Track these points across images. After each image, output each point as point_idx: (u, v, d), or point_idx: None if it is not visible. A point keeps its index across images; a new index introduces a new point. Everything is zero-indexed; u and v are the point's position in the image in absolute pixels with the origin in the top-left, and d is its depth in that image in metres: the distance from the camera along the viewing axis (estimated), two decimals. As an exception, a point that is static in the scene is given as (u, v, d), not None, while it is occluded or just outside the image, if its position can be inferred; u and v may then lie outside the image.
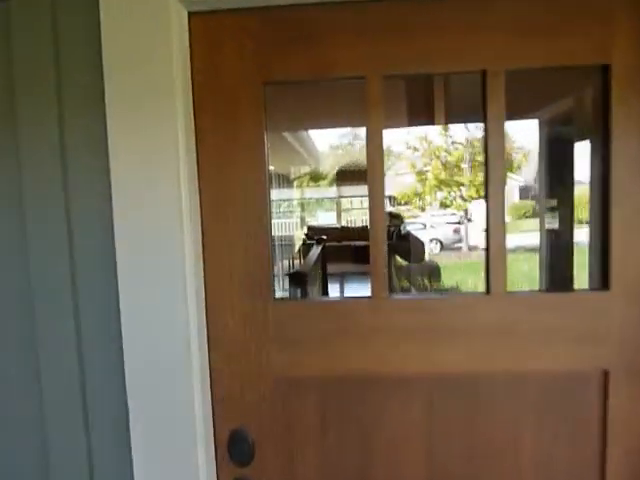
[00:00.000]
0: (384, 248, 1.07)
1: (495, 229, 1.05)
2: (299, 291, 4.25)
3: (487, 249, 1.05)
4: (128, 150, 0.98)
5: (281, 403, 1.10)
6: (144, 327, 1.00)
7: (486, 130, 1.03)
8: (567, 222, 2.94)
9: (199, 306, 1.05)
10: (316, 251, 5.92)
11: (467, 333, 1.06)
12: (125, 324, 1.00)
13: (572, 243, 2.92)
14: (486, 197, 1.05)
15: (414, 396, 1.09)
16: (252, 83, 1.04)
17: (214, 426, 1.09)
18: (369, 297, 1.08)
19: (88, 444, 1.06)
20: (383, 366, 1.08)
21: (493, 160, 1.03)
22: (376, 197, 1.06)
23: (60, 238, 1.03)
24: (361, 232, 9.24)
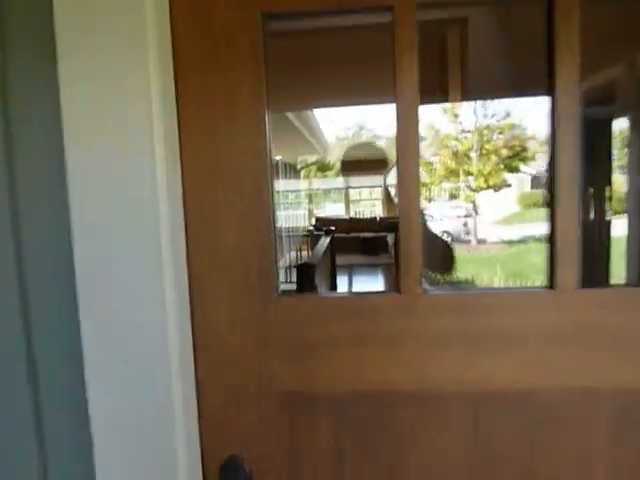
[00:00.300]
0: (419, 236, 0.83)
1: (565, 204, 0.81)
2: (307, 284, 4.03)
3: (552, 233, 0.82)
4: (85, 115, 0.75)
5: (286, 425, 0.88)
6: (108, 330, 0.78)
7: (554, 101, 0.79)
8: (601, 211, 2.69)
9: (180, 303, 0.83)
10: (324, 242, 5.69)
11: (525, 339, 0.83)
12: (86, 331, 0.78)
13: (607, 233, 2.67)
14: (552, 178, 0.81)
15: (454, 417, 0.87)
16: (247, 16, 0.81)
17: (201, 454, 0.87)
18: (397, 293, 0.85)
19: None
20: (415, 380, 0.85)
21: (562, 141, 0.79)
22: (409, 178, 0.83)
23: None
24: (370, 223, 9.02)
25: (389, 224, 8.38)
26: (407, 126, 0.82)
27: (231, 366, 0.87)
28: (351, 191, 11.07)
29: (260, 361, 0.87)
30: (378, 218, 9.33)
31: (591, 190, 2.68)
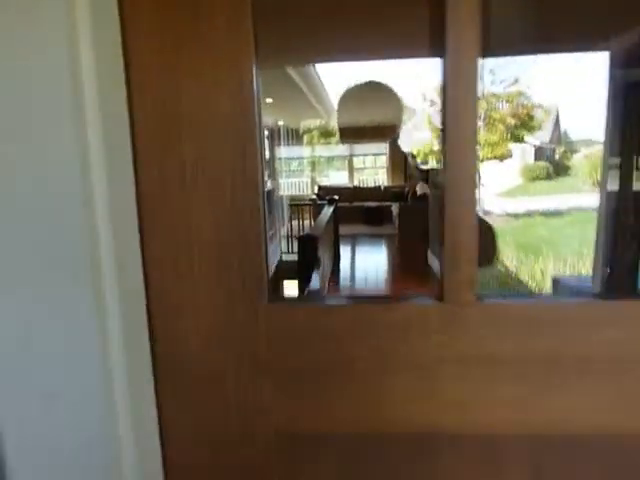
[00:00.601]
0: (473, 222, 0.58)
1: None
2: (309, 257, 3.79)
3: None
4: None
5: (282, 474, 0.65)
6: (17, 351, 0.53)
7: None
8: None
9: (130, 311, 0.58)
10: (327, 212, 5.42)
11: (617, 367, 0.59)
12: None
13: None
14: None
15: (510, 466, 0.63)
16: None
17: (166, 517, 0.65)
18: (438, 301, 0.60)
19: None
20: (459, 420, 0.61)
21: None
22: (463, 149, 0.57)
23: None
24: (374, 192, 8.73)
25: (394, 193, 8.12)
26: (462, 88, 0.56)
27: (206, 397, 0.63)
28: (355, 159, 10.71)
29: (246, 390, 0.63)
30: (382, 187, 9.04)
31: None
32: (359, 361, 0.61)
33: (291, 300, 0.62)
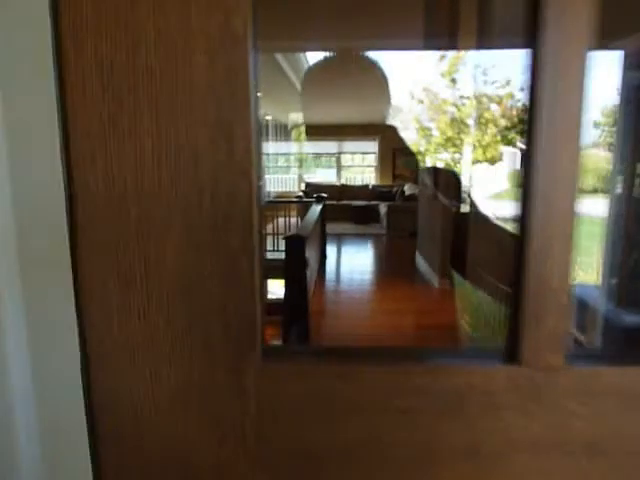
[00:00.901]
0: (568, 257, 0.39)
1: None
2: (296, 258, 3.60)
3: None
4: None
5: None
6: None
7: None
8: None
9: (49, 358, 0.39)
10: (315, 210, 5.23)
11: None
12: None
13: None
14: None
15: None
16: None
17: None
18: (510, 364, 0.41)
19: None
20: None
21: None
22: (561, 169, 0.38)
23: None
24: (362, 191, 8.57)
25: (381, 192, 8.03)
26: (566, 85, 0.37)
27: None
28: (343, 157, 10.53)
29: (226, 481, 0.43)
30: (370, 186, 8.91)
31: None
32: (393, 446, 0.42)
33: (293, 357, 0.43)
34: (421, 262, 4.85)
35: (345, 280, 5.06)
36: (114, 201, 0.39)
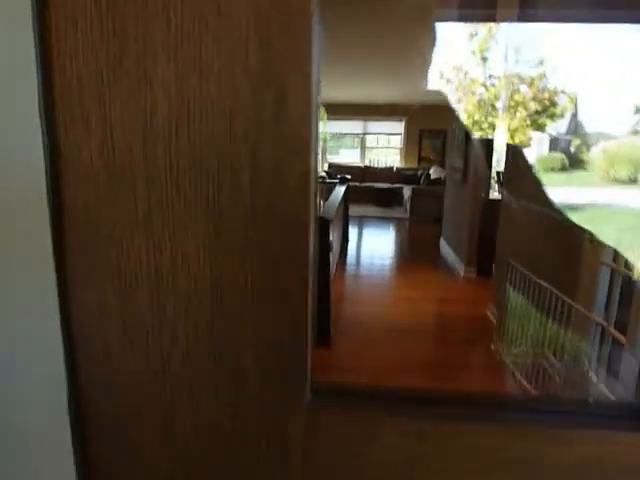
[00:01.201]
0: None
1: None
2: (321, 241, 3.48)
3: None
4: None
5: None
6: None
7: None
8: None
9: None
10: (339, 191, 5.09)
11: None
12: None
13: None
14: None
15: None
16: None
17: None
18: None
19: None
20: None
21: None
22: None
23: None
24: (386, 173, 8.38)
25: (406, 175, 7.86)
26: None
27: None
28: (368, 137, 10.30)
29: None
30: (395, 168, 8.71)
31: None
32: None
33: (356, 395, 0.32)
34: (446, 248, 4.70)
35: (367, 265, 4.95)
36: (114, 178, 0.28)
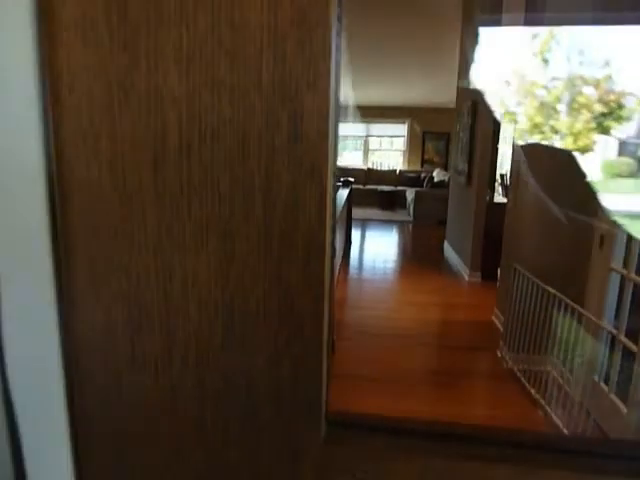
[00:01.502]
0: None
1: None
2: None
3: None
4: None
5: None
6: None
7: None
8: None
9: None
10: (342, 194, 5.08)
11: None
12: None
13: None
14: None
15: None
16: None
17: None
18: None
19: None
20: None
21: None
22: None
23: None
24: (389, 176, 8.37)
25: (409, 178, 7.84)
26: None
27: None
28: (371, 139, 10.29)
29: None
30: (398, 170, 8.70)
31: None
32: None
33: (366, 425, 0.30)
34: (450, 252, 4.67)
35: (370, 268, 4.93)
36: (123, 198, 0.26)
